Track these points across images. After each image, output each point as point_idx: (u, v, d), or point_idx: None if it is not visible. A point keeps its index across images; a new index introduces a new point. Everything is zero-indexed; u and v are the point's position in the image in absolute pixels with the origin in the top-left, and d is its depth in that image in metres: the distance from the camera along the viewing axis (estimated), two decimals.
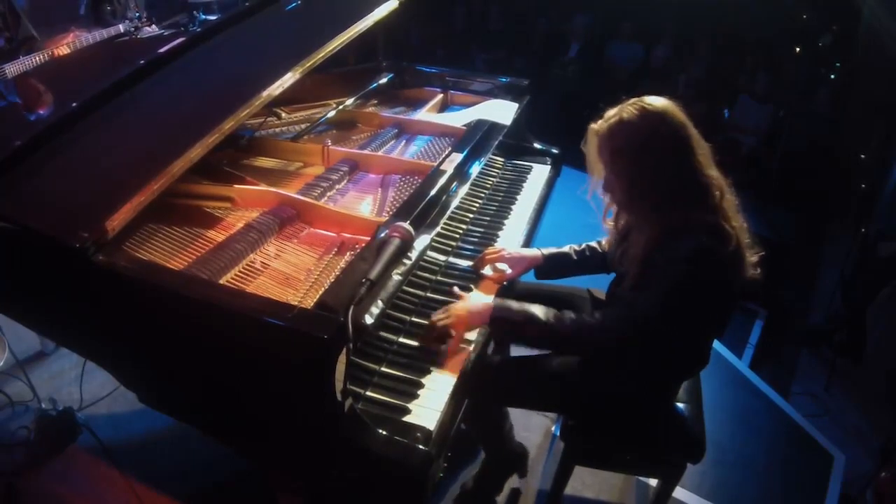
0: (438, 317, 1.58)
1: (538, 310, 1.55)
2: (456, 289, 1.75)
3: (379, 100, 2.66)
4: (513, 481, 2.21)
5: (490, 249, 1.90)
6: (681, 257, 1.43)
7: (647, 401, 1.75)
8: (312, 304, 1.37)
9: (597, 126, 1.54)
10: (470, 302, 1.62)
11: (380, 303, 1.42)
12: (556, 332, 1.53)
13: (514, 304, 1.58)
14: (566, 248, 1.94)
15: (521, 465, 2.18)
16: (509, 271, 1.88)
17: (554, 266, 1.92)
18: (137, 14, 3.33)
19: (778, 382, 3.19)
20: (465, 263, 1.91)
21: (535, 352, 1.74)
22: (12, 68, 2.87)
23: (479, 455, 2.33)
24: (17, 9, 3.24)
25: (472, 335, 1.65)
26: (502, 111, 2.44)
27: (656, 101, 1.48)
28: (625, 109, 1.49)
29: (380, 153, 2.19)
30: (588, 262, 1.91)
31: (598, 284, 1.97)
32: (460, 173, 1.94)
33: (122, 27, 3.23)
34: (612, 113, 1.52)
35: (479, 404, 1.78)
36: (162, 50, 1.95)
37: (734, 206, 1.53)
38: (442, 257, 1.90)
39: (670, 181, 1.47)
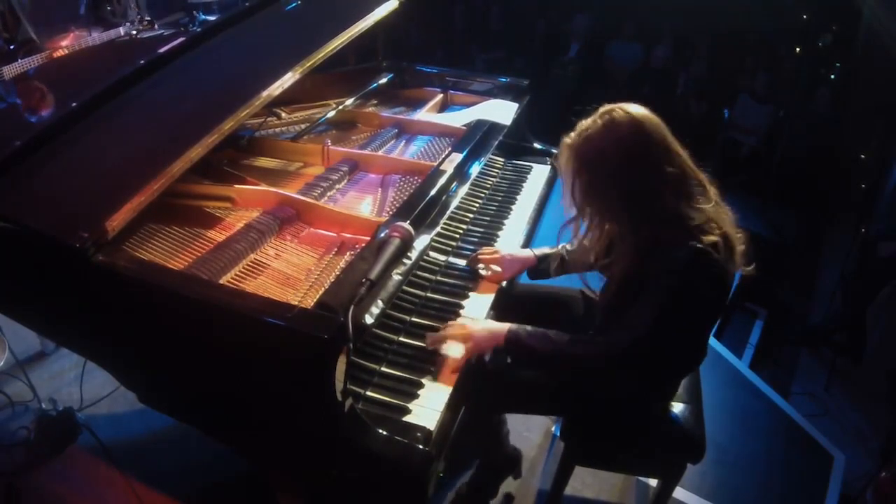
0: (453, 333, 1.56)
1: (552, 335, 1.54)
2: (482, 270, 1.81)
3: (379, 100, 2.66)
4: (509, 484, 2.20)
5: (485, 250, 1.90)
6: (678, 265, 1.41)
7: (647, 400, 1.76)
8: (312, 304, 1.37)
9: (569, 139, 1.50)
10: (486, 324, 1.61)
11: (380, 303, 1.42)
12: (568, 355, 1.53)
13: (530, 329, 1.56)
14: (560, 248, 1.93)
15: (515, 468, 2.17)
16: (500, 270, 1.86)
17: (547, 267, 1.91)
18: (139, 15, 3.33)
19: (778, 382, 3.19)
20: (465, 263, 1.91)
21: None
22: (12, 69, 2.87)
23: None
24: (16, 11, 3.24)
25: None
26: (502, 111, 2.44)
27: (627, 110, 1.44)
28: (594, 120, 1.46)
29: (380, 153, 2.19)
30: (580, 260, 1.90)
31: (592, 283, 1.97)
32: (460, 173, 1.94)
33: (122, 30, 3.23)
34: (583, 124, 1.48)
35: (479, 411, 1.78)
36: (162, 50, 1.95)
37: (715, 201, 1.50)
38: (442, 257, 1.90)
39: (640, 193, 1.44)
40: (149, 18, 3.24)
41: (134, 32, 3.15)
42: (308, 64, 1.90)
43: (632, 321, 1.49)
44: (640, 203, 1.45)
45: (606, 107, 1.47)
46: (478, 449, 2.08)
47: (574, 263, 1.90)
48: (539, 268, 1.91)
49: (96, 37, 3.17)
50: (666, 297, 1.43)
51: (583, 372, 1.58)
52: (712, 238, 1.42)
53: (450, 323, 1.61)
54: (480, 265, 1.87)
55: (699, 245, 1.40)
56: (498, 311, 1.78)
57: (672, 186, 1.44)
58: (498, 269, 1.86)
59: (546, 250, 1.93)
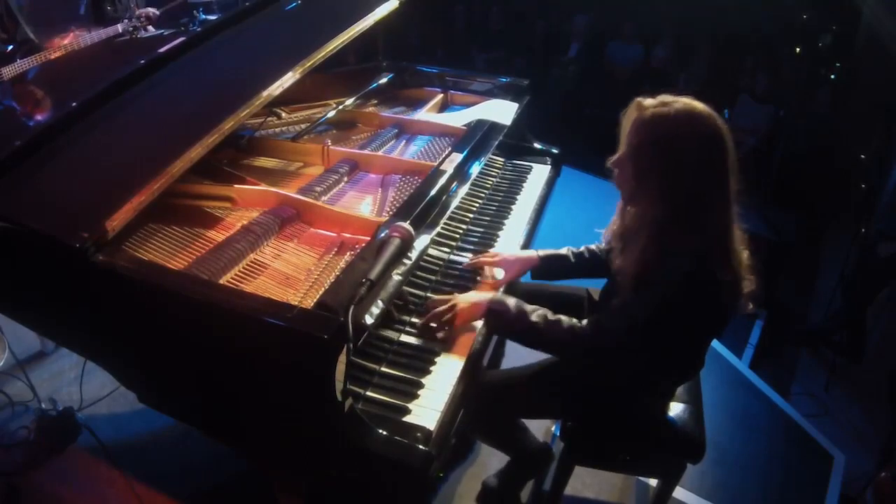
0: (440, 309, 1.60)
1: (533, 311, 1.56)
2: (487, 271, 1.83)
3: (379, 100, 2.66)
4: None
5: (486, 254, 1.89)
6: (677, 277, 1.41)
7: (646, 401, 1.76)
8: (312, 304, 1.37)
9: (645, 103, 1.45)
10: (472, 294, 1.66)
11: (380, 303, 1.42)
12: (545, 333, 1.54)
13: (512, 302, 1.58)
14: (564, 251, 1.93)
15: (545, 463, 2.14)
16: (501, 275, 1.86)
17: (550, 268, 1.91)
18: (138, 12, 3.33)
19: (778, 382, 3.19)
20: (465, 263, 1.91)
21: (531, 359, 1.74)
22: (10, 70, 2.87)
23: (479, 454, 2.33)
24: (14, 12, 3.24)
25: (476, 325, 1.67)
26: (502, 111, 2.44)
27: (714, 115, 1.44)
28: (680, 104, 1.41)
29: (380, 153, 2.19)
30: (586, 264, 1.90)
31: (598, 285, 1.97)
32: (460, 173, 1.94)
33: (120, 27, 3.22)
34: (667, 99, 1.43)
35: (483, 421, 1.78)
36: (162, 50, 1.95)
37: (740, 238, 1.50)
38: (442, 257, 1.90)
39: (688, 195, 1.42)
40: (154, 11, 3.24)
41: (132, 29, 3.15)
42: (308, 64, 1.90)
43: (619, 312, 1.50)
44: (682, 200, 1.42)
45: (691, 99, 1.43)
46: (502, 451, 2.07)
47: (581, 267, 1.90)
48: (543, 268, 1.90)
49: (95, 34, 3.17)
50: (658, 301, 1.44)
51: (564, 355, 1.59)
52: (723, 266, 1.42)
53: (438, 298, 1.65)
54: (484, 269, 1.87)
55: (703, 265, 1.40)
56: None
57: (718, 202, 1.44)
58: (500, 272, 1.86)
59: (550, 252, 1.92)
